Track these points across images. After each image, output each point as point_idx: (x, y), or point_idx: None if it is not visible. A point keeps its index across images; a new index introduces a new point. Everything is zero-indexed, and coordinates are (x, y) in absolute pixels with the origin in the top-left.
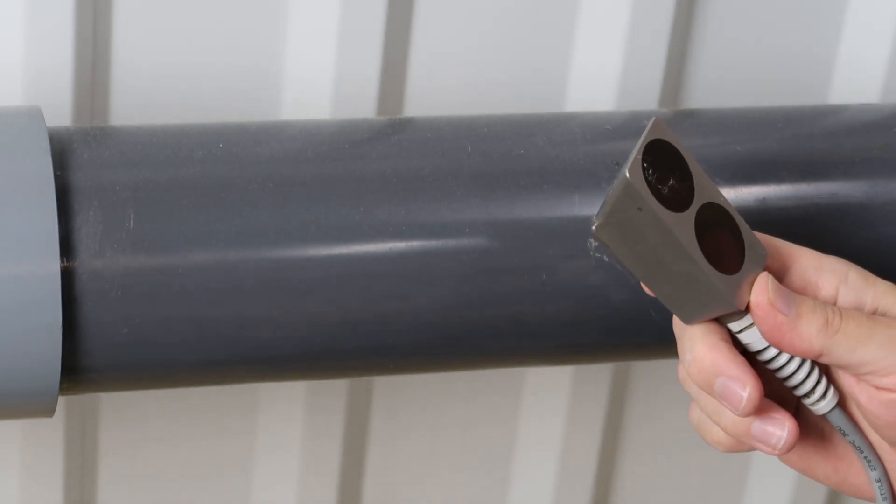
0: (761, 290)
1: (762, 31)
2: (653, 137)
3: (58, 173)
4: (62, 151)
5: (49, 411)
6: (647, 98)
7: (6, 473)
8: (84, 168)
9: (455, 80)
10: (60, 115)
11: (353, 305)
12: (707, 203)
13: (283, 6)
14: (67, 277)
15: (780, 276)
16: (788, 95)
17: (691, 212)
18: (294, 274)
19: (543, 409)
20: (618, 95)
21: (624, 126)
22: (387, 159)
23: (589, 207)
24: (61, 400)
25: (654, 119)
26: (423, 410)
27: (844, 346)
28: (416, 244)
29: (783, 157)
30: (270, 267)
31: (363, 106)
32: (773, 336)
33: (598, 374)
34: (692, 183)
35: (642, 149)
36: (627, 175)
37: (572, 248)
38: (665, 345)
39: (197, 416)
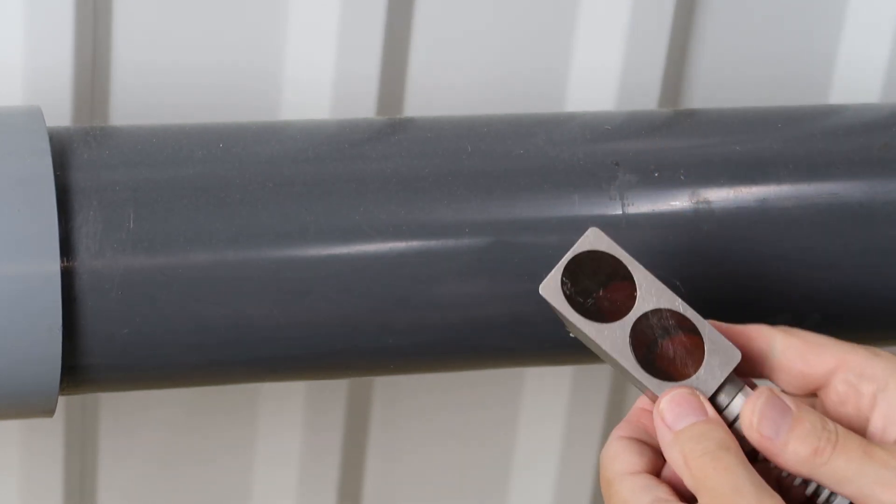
0: (749, 412)
1: (762, 31)
2: (582, 250)
3: (58, 173)
4: (62, 151)
5: (49, 411)
6: (647, 98)
7: (6, 482)
8: (84, 168)
9: (455, 80)
10: (60, 115)
11: (353, 305)
12: (656, 310)
13: (283, 6)
14: (67, 277)
15: (828, 377)
16: (788, 95)
17: (629, 319)
18: (294, 274)
19: (542, 419)
20: (618, 95)
21: (624, 126)
22: (387, 159)
23: (589, 207)
24: (61, 410)
25: (590, 229)
26: (422, 421)
27: (830, 479)
28: (416, 244)
29: (783, 157)
30: (270, 267)
31: (363, 106)
32: (760, 450)
33: (597, 383)
34: (634, 290)
35: (563, 265)
36: (540, 291)
37: (572, 247)
38: None
39: (196, 428)
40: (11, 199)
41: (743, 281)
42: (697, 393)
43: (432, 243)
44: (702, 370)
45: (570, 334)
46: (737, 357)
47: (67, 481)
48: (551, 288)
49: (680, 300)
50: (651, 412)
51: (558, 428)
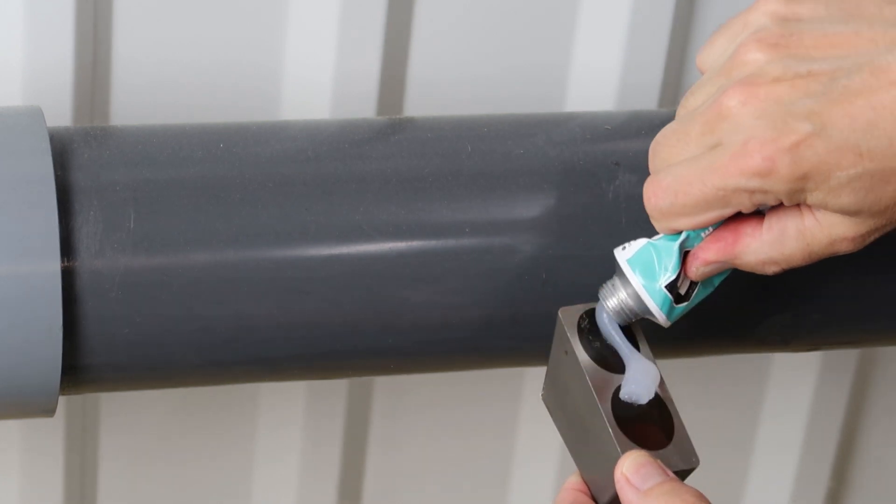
0: (623, 459)
1: None
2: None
3: (58, 173)
4: (62, 151)
5: (50, 411)
6: (647, 98)
7: (6, 481)
8: (84, 168)
9: (455, 81)
10: (60, 114)
11: (353, 305)
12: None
13: (283, 6)
14: (68, 277)
15: None
16: None
17: (620, 377)
18: (294, 274)
19: (542, 415)
20: (618, 95)
21: (624, 126)
22: (387, 159)
23: (589, 207)
24: (61, 409)
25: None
26: (423, 415)
27: None
28: (416, 244)
29: None
30: (270, 267)
31: (363, 106)
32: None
33: None
34: None
35: (592, 305)
36: (559, 311)
37: (572, 248)
38: (663, 345)
39: (197, 421)
40: (11, 199)
41: (743, 281)
42: (657, 459)
43: (432, 243)
44: (661, 452)
45: (542, 393)
46: (694, 463)
47: (68, 480)
48: (571, 315)
49: (667, 390)
50: (582, 492)
51: None
